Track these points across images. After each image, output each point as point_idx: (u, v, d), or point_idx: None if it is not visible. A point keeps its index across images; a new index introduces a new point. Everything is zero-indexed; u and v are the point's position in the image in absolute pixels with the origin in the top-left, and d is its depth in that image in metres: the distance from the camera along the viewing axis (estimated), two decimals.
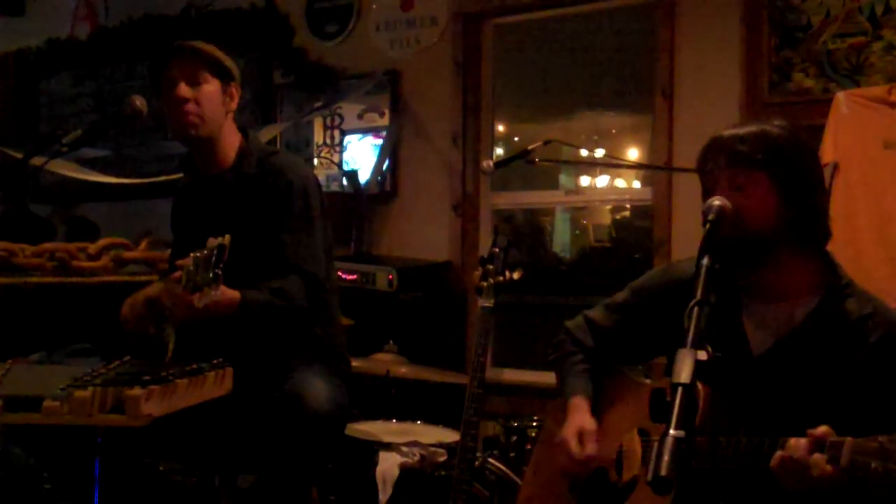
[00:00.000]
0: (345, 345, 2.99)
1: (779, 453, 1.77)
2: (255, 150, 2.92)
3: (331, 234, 3.00)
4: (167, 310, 2.53)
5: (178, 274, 2.33)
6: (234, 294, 2.55)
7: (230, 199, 2.84)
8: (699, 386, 1.53)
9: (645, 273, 2.35)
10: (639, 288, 2.31)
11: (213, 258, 2.21)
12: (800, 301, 2.02)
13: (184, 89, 2.77)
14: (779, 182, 1.98)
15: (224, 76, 2.86)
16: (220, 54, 2.87)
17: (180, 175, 3.09)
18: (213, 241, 2.24)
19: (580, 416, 2.21)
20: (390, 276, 4.37)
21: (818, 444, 1.73)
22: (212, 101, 2.81)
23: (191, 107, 2.77)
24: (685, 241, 4.10)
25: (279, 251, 2.74)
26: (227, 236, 2.24)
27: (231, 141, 2.89)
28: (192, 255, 2.27)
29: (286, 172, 2.82)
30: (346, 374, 2.93)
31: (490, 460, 3.11)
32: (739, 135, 2.01)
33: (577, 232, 5.66)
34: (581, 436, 2.17)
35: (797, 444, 1.75)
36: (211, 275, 2.20)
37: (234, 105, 2.89)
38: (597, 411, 2.24)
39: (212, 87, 2.82)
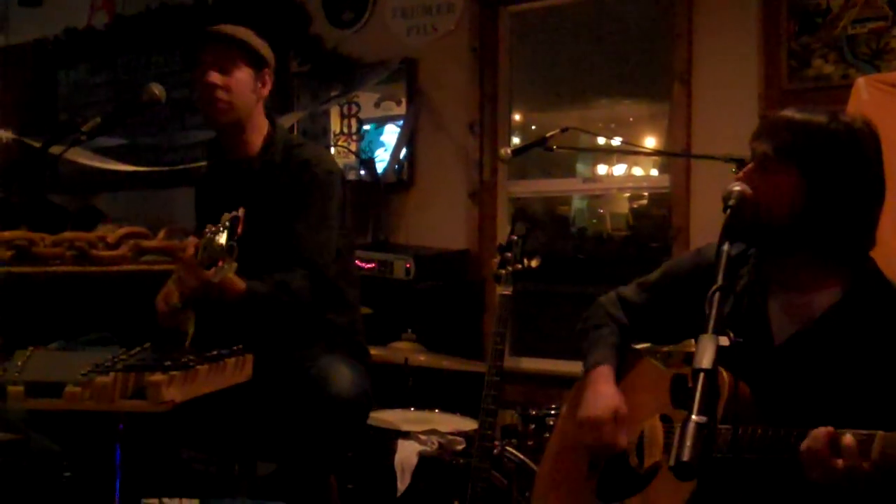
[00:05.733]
0: (364, 334, 3.00)
1: (805, 442, 1.76)
2: (282, 138, 2.93)
3: (350, 226, 3.01)
4: (178, 283, 2.51)
5: (192, 247, 2.33)
6: (239, 283, 2.56)
7: (254, 186, 2.84)
8: (723, 373, 1.52)
9: (676, 256, 2.33)
10: (670, 269, 2.31)
11: (228, 230, 2.21)
12: (824, 292, 1.98)
13: (214, 76, 2.78)
14: (812, 182, 1.91)
15: (257, 62, 2.86)
16: (254, 40, 2.86)
17: (198, 164, 3.10)
18: (227, 215, 2.24)
19: (612, 393, 2.18)
20: (408, 265, 4.37)
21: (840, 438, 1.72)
22: (242, 88, 2.82)
23: (220, 94, 2.79)
24: (703, 228, 4.08)
25: (291, 242, 2.76)
26: (242, 209, 2.23)
27: (259, 127, 2.90)
28: (207, 228, 2.28)
29: (311, 165, 2.83)
30: (367, 363, 2.93)
31: (508, 448, 3.11)
32: (794, 119, 1.95)
33: (595, 220, 5.64)
34: (617, 417, 2.13)
35: (819, 434, 1.74)
36: (226, 246, 2.21)
37: (265, 91, 2.90)
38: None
39: (244, 73, 2.82)
